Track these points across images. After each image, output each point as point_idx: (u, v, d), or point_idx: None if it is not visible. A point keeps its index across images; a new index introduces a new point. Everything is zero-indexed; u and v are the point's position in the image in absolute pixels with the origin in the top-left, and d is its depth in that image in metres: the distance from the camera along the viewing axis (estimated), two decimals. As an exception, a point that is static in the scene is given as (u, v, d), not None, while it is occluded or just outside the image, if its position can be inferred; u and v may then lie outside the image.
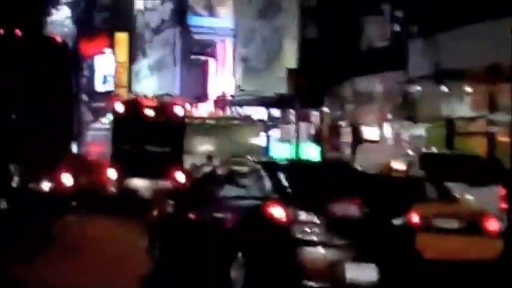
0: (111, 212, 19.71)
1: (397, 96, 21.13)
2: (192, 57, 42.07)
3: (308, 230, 9.37)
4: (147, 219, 13.00)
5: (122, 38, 52.39)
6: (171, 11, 45.99)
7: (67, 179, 15.64)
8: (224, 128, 30.35)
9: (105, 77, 54.92)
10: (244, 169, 10.98)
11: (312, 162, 13.28)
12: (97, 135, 25.42)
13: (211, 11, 42.68)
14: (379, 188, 10.85)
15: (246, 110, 33.92)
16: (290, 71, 24.93)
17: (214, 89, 40.50)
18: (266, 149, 28.07)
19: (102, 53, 52.31)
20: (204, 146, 25.90)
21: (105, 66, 54.07)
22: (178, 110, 23.58)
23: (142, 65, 50.88)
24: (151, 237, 12.49)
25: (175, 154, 22.59)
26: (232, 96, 35.23)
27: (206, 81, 42.16)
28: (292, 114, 28.86)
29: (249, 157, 11.58)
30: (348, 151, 22.16)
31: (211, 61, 41.59)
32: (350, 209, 9.65)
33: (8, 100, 15.64)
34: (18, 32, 16.29)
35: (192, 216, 11.39)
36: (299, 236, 9.33)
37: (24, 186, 15.29)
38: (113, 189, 21.86)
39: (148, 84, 47.46)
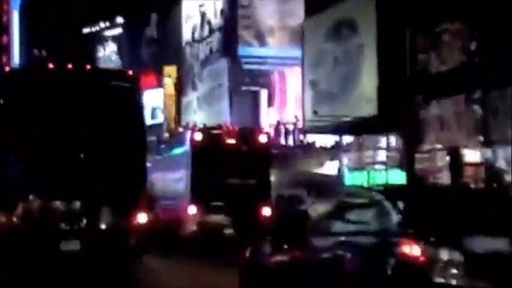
0: (192, 252, 18.33)
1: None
2: (243, 88, 41.11)
3: (449, 271, 8.07)
4: (239, 262, 11.60)
5: (170, 71, 51.73)
6: (220, 41, 45.14)
7: (143, 218, 14.40)
8: (285, 158, 29.06)
9: (154, 110, 54.20)
10: (360, 200, 9.70)
11: (434, 189, 11.87)
12: (159, 169, 23.85)
13: (261, 41, 41.75)
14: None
15: (309, 138, 32.56)
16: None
17: (267, 120, 39.38)
18: (339, 178, 26.59)
19: (153, 86, 51.51)
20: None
21: (154, 99, 53.36)
22: (263, 138, 21.48)
23: (192, 97, 50.06)
24: (245, 285, 11.14)
25: (261, 186, 20.52)
26: (294, 124, 33.81)
27: (258, 112, 41.07)
28: (366, 140, 27.28)
29: (363, 185, 10.29)
30: (445, 176, 20.57)
31: (263, 91, 40.53)
32: (494, 243, 8.31)
33: (78, 138, 14.46)
34: (88, 66, 15.20)
35: (296, 255, 10.10)
36: (439, 280, 8.04)
37: (95, 226, 14.20)
38: (193, 227, 19.92)
39: (198, 117, 46.54)
